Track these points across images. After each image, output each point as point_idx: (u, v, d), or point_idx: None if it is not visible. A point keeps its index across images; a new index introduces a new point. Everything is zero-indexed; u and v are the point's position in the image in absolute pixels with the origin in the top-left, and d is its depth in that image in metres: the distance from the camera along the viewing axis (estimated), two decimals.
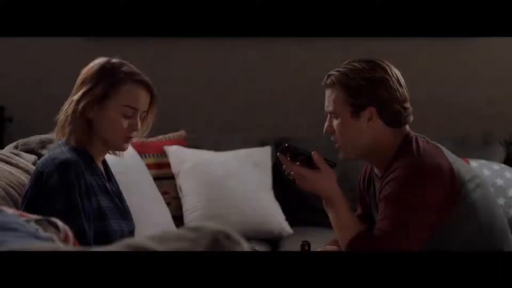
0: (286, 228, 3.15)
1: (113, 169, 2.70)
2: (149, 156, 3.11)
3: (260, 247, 2.90)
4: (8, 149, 2.42)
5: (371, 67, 2.05)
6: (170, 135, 3.30)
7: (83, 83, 2.11)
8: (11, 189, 2.06)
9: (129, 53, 3.77)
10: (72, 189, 1.94)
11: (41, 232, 1.21)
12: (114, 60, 2.13)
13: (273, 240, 3.08)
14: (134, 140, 2.14)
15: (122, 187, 2.62)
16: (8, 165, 2.18)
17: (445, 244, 1.98)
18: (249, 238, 2.92)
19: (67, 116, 2.07)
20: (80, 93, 2.09)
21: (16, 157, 2.27)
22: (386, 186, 2.01)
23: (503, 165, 3.15)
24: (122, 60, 2.15)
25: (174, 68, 3.75)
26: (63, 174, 1.94)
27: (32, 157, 2.37)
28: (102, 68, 2.10)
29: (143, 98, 2.11)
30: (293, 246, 2.95)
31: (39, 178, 1.97)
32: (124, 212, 2.13)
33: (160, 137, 3.25)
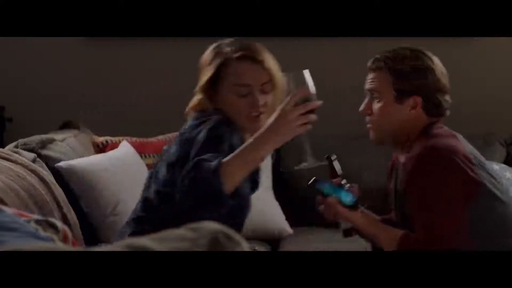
0: (286, 228, 3.14)
1: (112, 168, 2.70)
2: (149, 156, 3.11)
3: (260, 247, 2.90)
4: (8, 149, 2.42)
5: (418, 55, 2.08)
6: (170, 135, 3.30)
7: (201, 71, 2.16)
8: (11, 182, 2.05)
9: (129, 53, 3.79)
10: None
11: (41, 232, 1.21)
12: (221, 42, 2.16)
13: (273, 240, 3.08)
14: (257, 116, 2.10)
15: (121, 187, 2.63)
16: (7, 162, 2.18)
17: (474, 235, 1.98)
18: (249, 238, 2.92)
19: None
20: (199, 83, 2.14)
21: (16, 155, 2.27)
22: (410, 180, 2.01)
23: (503, 165, 3.15)
24: (230, 40, 2.16)
25: (174, 68, 3.75)
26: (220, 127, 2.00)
27: (32, 155, 2.36)
28: (210, 54, 2.15)
29: (252, 72, 2.09)
30: (293, 246, 2.95)
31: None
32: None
33: (160, 137, 3.25)
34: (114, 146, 3.01)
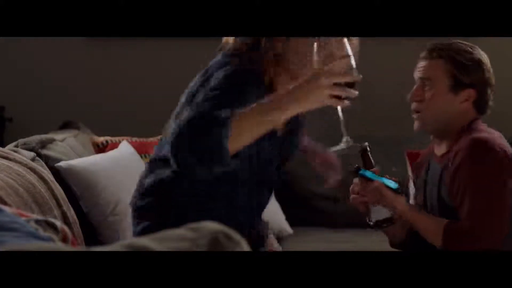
0: (286, 228, 3.14)
1: (112, 168, 2.70)
2: (149, 156, 3.11)
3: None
4: (8, 149, 2.42)
5: (475, 50, 2.13)
6: None
7: None
8: (10, 180, 2.04)
9: (129, 53, 3.79)
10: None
11: (41, 232, 1.21)
12: None
13: None
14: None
15: (121, 187, 2.63)
16: (6, 160, 2.17)
17: None
18: None
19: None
20: None
21: (14, 153, 2.26)
22: (459, 170, 2.01)
23: None
24: None
25: (174, 68, 3.76)
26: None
27: (31, 154, 2.36)
28: None
29: None
30: (293, 246, 2.95)
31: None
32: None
33: (160, 137, 3.25)
34: (114, 146, 3.01)
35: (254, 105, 1.72)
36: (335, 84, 1.68)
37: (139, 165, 2.91)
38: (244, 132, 1.71)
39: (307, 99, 1.69)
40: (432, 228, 2.01)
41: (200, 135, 1.68)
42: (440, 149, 2.12)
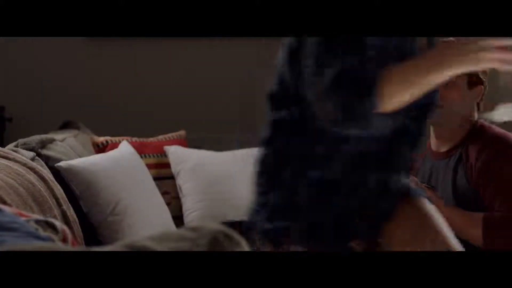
0: None
1: (112, 168, 2.70)
2: (149, 156, 3.11)
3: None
4: (8, 149, 2.42)
5: None
6: (170, 135, 3.30)
7: None
8: (10, 179, 2.04)
9: (129, 53, 3.79)
10: None
11: (41, 232, 1.21)
12: None
13: None
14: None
15: (121, 187, 2.63)
16: (5, 160, 2.17)
17: None
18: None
19: None
20: None
21: (14, 153, 2.26)
22: (489, 165, 2.06)
23: None
24: None
25: (174, 68, 3.76)
26: None
27: (31, 154, 2.36)
28: None
29: None
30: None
31: None
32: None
33: (160, 137, 3.25)
34: (114, 146, 3.01)
35: (407, 63, 1.57)
36: (499, 47, 1.56)
37: (139, 165, 2.91)
38: (394, 92, 1.52)
39: (464, 60, 1.56)
40: (469, 222, 2.03)
41: (350, 96, 1.52)
42: (442, 145, 2.14)
